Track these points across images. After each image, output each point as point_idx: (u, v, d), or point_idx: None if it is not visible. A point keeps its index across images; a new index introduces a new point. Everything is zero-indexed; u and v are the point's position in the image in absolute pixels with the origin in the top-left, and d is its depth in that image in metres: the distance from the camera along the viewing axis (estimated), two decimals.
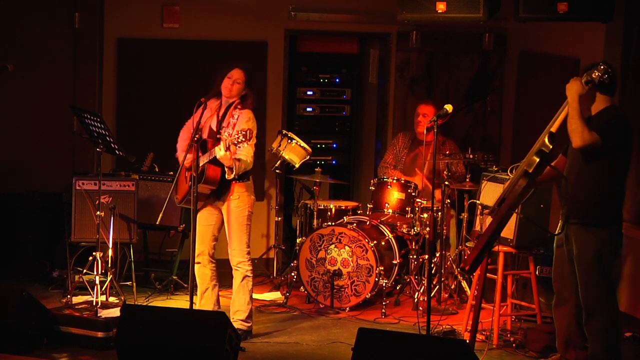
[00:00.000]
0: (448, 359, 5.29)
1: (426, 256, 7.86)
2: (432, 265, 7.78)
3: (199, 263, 7.10)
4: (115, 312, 6.90)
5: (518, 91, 9.40)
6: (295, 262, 8.19)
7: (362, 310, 7.92)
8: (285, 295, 8.10)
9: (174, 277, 8.22)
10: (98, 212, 7.40)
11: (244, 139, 6.59)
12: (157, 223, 6.98)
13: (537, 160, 6.02)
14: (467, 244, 7.93)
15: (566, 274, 6.32)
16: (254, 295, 7.54)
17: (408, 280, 8.22)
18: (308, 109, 10.01)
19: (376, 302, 7.99)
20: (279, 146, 8.27)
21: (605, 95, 6.12)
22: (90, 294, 7.45)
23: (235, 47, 9.04)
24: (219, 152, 6.68)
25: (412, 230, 8.08)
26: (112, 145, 7.40)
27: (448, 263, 8.13)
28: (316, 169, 8.47)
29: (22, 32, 8.73)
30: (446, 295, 8.12)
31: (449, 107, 6.77)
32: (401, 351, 5.39)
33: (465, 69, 9.63)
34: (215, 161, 6.81)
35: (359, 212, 8.51)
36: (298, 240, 8.38)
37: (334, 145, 10.15)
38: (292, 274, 8.28)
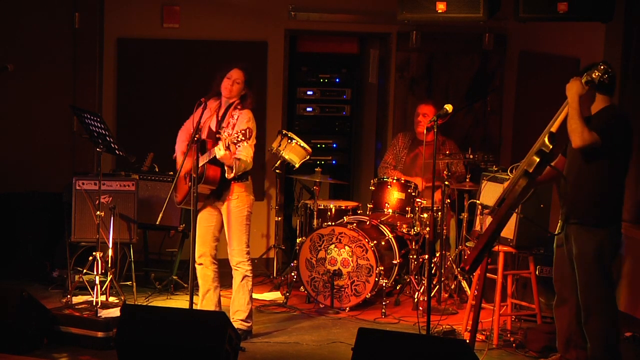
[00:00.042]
0: (448, 359, 5.29)
1: (426, 256, 7.86)
2: (432, 265, 7.78)
3: (201, 264, 7.10)
4: (115, 312, 6.90)
5: (518, 91, 9.40)
6: (295, 262, 8.19)
7: (362, 310, 7.92)
8: (285, 295, 8.10)
9: (174, 277, 8.22)
10: (98, 212, 7.40)
11: (243, 138, 6.59)
12: (157, 223, 6.98)
13: (537, 160, 6.02)
14: (467, 244, 7.93)
15: (566, 274, 6.32)
16: (254, 295, 7.55)
17: (408, 280, 8.22)
18: (308, 109, 10.02)
19: (376, 302, 8.00)
20: (279, 146, 8.27)
21: (604, 95, 6.12)
22: (90, 294, 7.45)
23: (235, 47, 9.04)
24: (219, 151, 6.67)
25: (412, 230, 8.08)
26: (112, 145, 7.40)
27: (448, 263, 8.13)
28: (316, 169, 8.47)
29: (22, 32, 8.72)
30: (446, 295, 8.12)
31: (449, 107, 6.77)
32: (401, 351, 5.39)
33: (465, 69, 9.63)
34: (214, 161, 6.81)
35: (359, 212, 8.51)
36: (298, 240, 8.38)
37: (334, 145, 10.15)
38: (292, 274, 8.28)
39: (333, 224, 8.07)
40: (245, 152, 6.84)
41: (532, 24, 8.38)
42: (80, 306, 7.15)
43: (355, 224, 8.01)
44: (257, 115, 7.07)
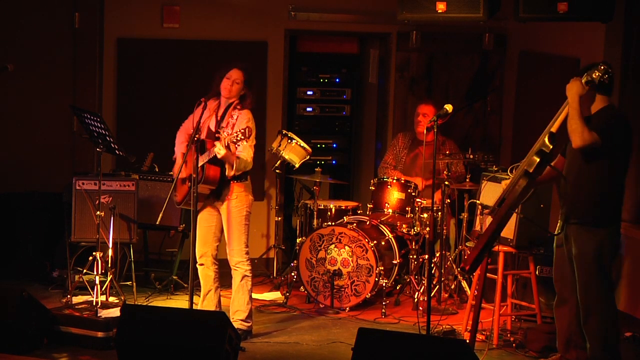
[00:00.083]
0: (448, 359, 5.29)
1: (426, 256, 7.86)
2: (432, 265, 7.78)
3: (202, 265, 7.10)
4: (115, 312, 6.90)
5: (518, 91, 9.40)
6: (295, 262, 8.19)
7: (362, 310, 7.92)
8: (285, 295, 8.10)
9: (174, 277, 8.22)
10: (98, 212, 7.40)
11: (242, 137, 6.59)
12: (157, 223, 6.98)
13: (537, 160, 6.02)
14: (467, 244, 7.93)
15: (566, 274, 6.32)
16: (254, 295, 7.55)
17: (408, 280, 8.22)
18: (308, 109, 10.01)
19: (376, 302, 8.00)
20: (279, 146, 8.27)
21: (604, 95, 6.13)
22: (90, 294, 7.45)
23: (235, 47, 9.04)
24: (220, 150, 6.67)
25: (412, 230, 8.08)
26: (112, 145, 7.40)
27: (448, 263, 8.13)
28: (316, 169, 8.47)
29: (22, 32, 8.72)
30: (446, 295, 8.12)
31: (449, 107, 6.76)
32: (401, 351, 5.39)
33: (465, 69, 9.63)
34: (214, 161, 6.81)
35: (359, 212, 8.51)
36: (298, 240, 8.37)
37: (334, 145, 10.15)
38: (292, 273, 8.28)
39: (333, 224, 8.07)
40: (246, 152, 6.84)
41: (532, 24, 8.38)
42: (80, 306, 7.15)
43: (355, 224, 8.00)
44: (257, 115, 7.07)
